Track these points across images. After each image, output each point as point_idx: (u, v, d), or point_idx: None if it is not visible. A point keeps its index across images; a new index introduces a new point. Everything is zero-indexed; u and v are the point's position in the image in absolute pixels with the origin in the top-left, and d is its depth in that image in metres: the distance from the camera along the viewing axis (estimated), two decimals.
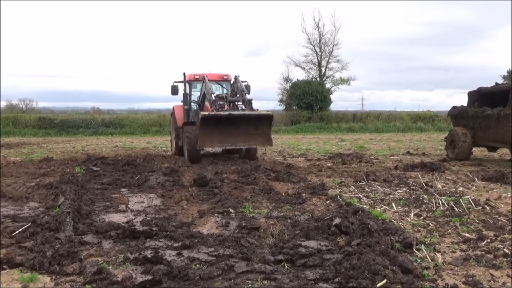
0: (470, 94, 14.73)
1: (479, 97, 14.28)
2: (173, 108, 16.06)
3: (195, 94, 15.58)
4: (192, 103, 15.34)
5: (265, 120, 12.98)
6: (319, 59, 40.92)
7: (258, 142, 13.09)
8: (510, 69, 41.60)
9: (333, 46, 40.63)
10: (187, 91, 15.29)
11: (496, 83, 14.21)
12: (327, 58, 40.93)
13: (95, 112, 42.14)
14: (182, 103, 15.63)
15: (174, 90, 15.56)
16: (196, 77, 15.09)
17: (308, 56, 41.10)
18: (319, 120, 36.24)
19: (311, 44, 40.90)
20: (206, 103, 14.30)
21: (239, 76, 13.94)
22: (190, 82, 15.28)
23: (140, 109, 60.25)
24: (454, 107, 15.13)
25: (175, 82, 15.64)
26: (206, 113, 12.32)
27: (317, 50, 40.92)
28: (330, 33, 40.90)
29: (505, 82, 23.21)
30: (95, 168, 11.86)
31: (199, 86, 15.24)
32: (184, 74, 15.25)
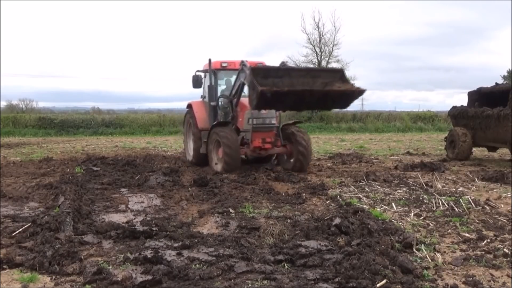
0: (470, 94, 14.72)
1: (479, 97, 14.27)
2: (190, 105, 13.04)
3: (220, 87, 12.76)
4: (221, 99, 12.24)
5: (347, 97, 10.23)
6: (319, 59, 40.88)
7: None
8: (510, 69, 41.61)
9: (333, 46, 40.59)
10: (213, 82, 12.22)
11: (496, 83, 14.20)
12: (327, 58, 40.88)
13: (95, 112, 42.10)
14: (202, 99, 13.04)
15: (197, 82, 12.59)
16: (224, 65, 12.22)
17: (308, 56, 41.06)
18: (319, 120, 36.22)
19: (311, 44, 40.87)
20: (245, 99, 11.22)
21: (286, 62, 12.21)
22: (215, 71, 12.24)
23: (140, 109, 60.28)
24: (454, 107, 15.13)
25: (198, 71, 12.79)
26: (265, 88, 9.14)
27: (317, 50, 40.88)
28: (330, 33, 40.86)
29: (505, 82, 23.23)
30: (95, 168, 11.85)
31: (226, 76, 12.71)
32: (209, 60, 12.01)
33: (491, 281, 4.18)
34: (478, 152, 15.48)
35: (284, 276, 4.19)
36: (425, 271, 4.35)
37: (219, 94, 12.37)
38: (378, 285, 3.89)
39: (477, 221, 6.27)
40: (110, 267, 4.43)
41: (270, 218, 6.39)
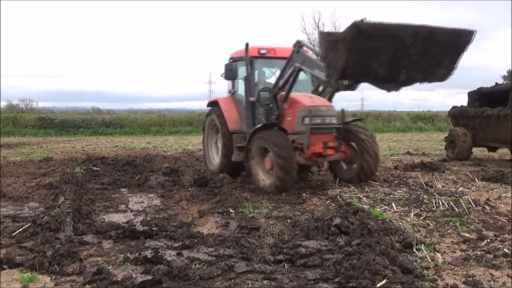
0: (470, 94, 14.72)
1: (479, 97, 14.27)
2: (215, 103, 10.83)
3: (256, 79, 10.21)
4: (262, 93, 9.67)
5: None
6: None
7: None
8: (510, 69, 41.57)
9: None
10: (251, 73, 9.80)
11: (496, 83, 14.20)
12: None
13: (95, 112, 42.14)
14: (230, 95, 10.71)
15: (231, 72, 10.06)
16: (262, 51, 9.99)
17: None
18: None
19: (311, 44, 40.91)
20: (296, 94, 9.45)
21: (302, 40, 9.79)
22: (253, 59, 9.87)
23: (140, 109, 60.29)
24: (454, 107, 15.13)
25: (232, 59, 10.54)
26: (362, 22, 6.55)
27: (317, 50, 40.93)
28: None
29: (505, 82, 23.21)
30: (95, 168, 11.85)
31: (261, 66, 10.43)
32: (247, 45, 9.73)
33: (491, 281, 4.18)
34: (478, 152, 15.48)
35: (284, 276, 4.19)
36: (425, 271, 4.35)
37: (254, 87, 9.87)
38: (378, 285, 3.90)
39: (477, 221, 6.27)
40: (110, 267, 4.43)
41: (270, 218, 6.39)
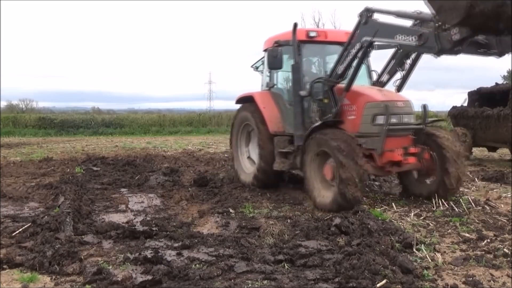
0: (470, 94, 14.73)
1: (479, 97, 14.28)
2: (250, 98, 8.88)
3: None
4: (317, 84, 7.76)
5: None
6: None
7: None
8: (510, 69, 41.54)
9: None
10: (298, 60, 7.88)
11: (496, 83, 14.20)
12: None
13: (95, 112, 42.16)
14: (268, 89, 8.83)
15: (276, 59, 7.93)
16: (312, 34, 8.11)
17: None
18: None
19: None
20: (361, 87, 7.78)
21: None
22: (300, 43, 7.99)
23: (140, 109, 60.29)
24: (454, 107, 15.13)
25: (277, 43, 8.21)
26: None
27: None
28: None
29: (505, 82, 23.22)
30: (95, 168, 11.85)
31: (309, 53, 8.53)
32: (295, 26, 7.82)
33: (491, 281, 4.18)
34: (478, 152, 15.48)
35: (284, 276, 4.19)
36: (425, 271, 4.35)
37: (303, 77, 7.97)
38: (378, 285, 3.90)
39: (477, 221, 6.27)
40: (110, 267, 4.43)
41: (270, 218, 6.39)
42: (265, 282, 4.06)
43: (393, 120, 7.07)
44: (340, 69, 7.30)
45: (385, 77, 8.08)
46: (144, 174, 10.41)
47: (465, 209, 6.87)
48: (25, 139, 25.43)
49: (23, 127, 31.23)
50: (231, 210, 6.91)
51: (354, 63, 7.17)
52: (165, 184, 9.34)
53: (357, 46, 6.99)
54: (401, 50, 7.46)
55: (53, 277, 4.24)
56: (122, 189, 9.06)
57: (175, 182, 9.57)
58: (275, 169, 8.24)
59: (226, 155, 15.37)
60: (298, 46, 7.90)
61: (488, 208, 7.04)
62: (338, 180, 6.58)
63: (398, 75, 7.91)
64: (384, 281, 3.94)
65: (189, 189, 8.71)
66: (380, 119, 7.08)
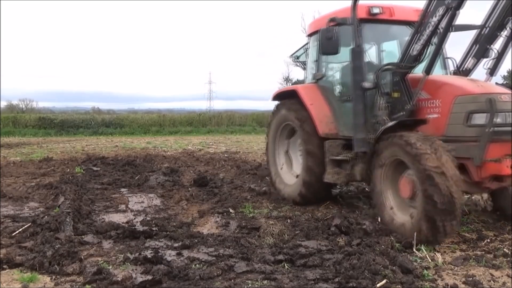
0: None
1: None
2: (293, 93, 7.38)
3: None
4: (385, 72, 6.20)
5: None
6: None
7: None
8: (510, 69, 41.57)
9: None
10: (359, 43, 6.26)
11: (496, 83, 14.18)
12: None
13: (95, 112, 42.17)
14: (315, 81, 7.35)
15: (331, 42, 6.27)
16: (375, 11, 6.53)
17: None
18: None
19: None
20: (446, 76, 6.46)
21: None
22: (360, 23, 6.37)
23: (140, 109, 60.27)
24: None
25: (333, 21, 6.43)
26: None
27: None
28: None
29: (505, 82, 23.20)
30: (95, 168, 11.85)
31: (370, 37, 6.85)
32: (354, 1, 6.28)
33: (491, 281, 4.18)
34: None
35: (284, 276, 4.19)
36: (425, 271, 4.35)
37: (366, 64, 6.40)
38: (378, 285, 3.90)
39: (477, 221, 6.27)
40: (110, 267, 4.43)
41: (270, 218, 6.39)
42: (265, 282, 4.06)
43: (498, 119, 5.27)
44: (416, 48, 5.73)
45: (470, 63, 6.44)
46: (144, 174, 10.41)
47: (465, 209, 6.87)
48: (25, 139, 25.43)
49: (23, 127, 31.24)
50: (231, 210, 6.91)
51: (434, 41, 5.65)
52: (165, 184, 9.34)
53: (440, 10, 5.42)
54: (487, 29, 5.99)
55: (53, 277, 4.23)
56: (122, 189, 9.06)
57: (175, 182, 9.57)
58: (326, 181, 6.76)
59: (226, 155, 15.39)
60: (358, 28, 6.28)
61: (488, 208, 7.03)
62: (422, 201, 5.01)
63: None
64: (384, 281, 3.94)
65: (189, 189, 8.71)
66: (479, 118, 5.35)
